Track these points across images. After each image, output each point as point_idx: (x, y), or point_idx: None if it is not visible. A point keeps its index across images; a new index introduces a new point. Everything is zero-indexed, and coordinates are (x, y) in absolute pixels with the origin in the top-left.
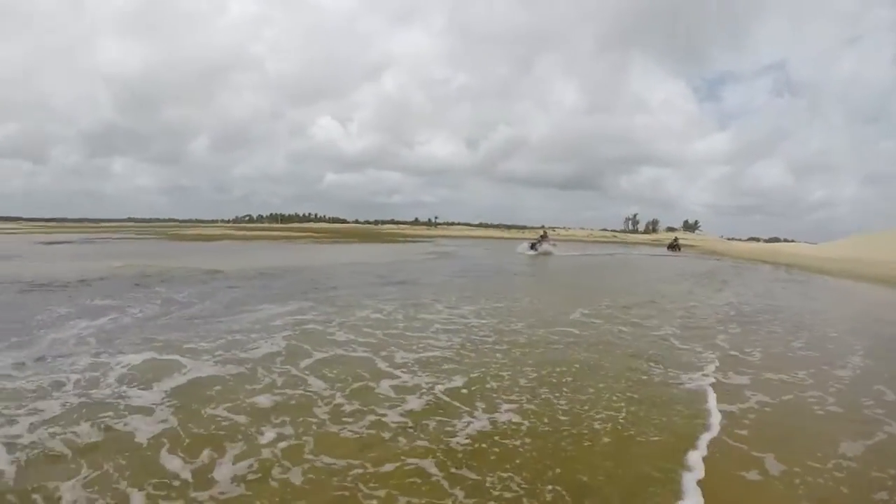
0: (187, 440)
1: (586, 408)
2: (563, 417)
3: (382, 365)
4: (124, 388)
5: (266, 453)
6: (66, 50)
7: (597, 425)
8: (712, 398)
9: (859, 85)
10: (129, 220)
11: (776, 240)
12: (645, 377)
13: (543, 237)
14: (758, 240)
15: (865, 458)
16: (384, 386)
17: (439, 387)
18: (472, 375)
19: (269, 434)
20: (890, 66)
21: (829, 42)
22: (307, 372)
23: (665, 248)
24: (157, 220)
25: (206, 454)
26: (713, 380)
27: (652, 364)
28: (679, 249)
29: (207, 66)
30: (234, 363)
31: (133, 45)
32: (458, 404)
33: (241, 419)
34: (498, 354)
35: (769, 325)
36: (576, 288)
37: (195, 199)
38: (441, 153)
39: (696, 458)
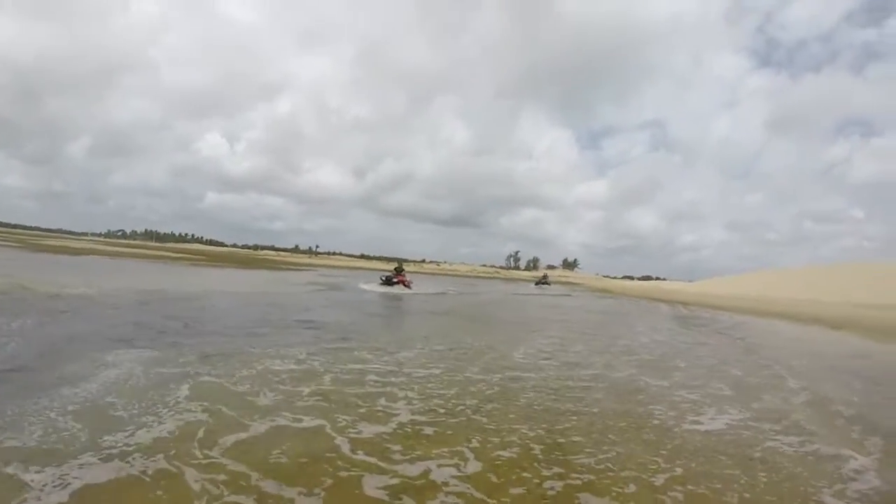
0: None
1: (641, 473)
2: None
3: (345, 445)
4: None
5: None
6: None
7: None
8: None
9: (731, 144)
10: None
11: (648, 278)
12: (657, 422)
13: (399, 272)
14: (632, 278)
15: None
16: (372, 484)
17: (447, 472)
18: (471, 445)
19: None
20: (760, 130)
21: (706, 105)
22: (247, 464)
23: (533, 285)
24: (22, 226)
25: None
26: (728, 419)
27: (652, 408)
28: (549, 285)
29: (101, 63)
30: (128, 457)
31: (27, 27)
32: (501, 501)
33: None
34: (472, 413)
35: (708, 359)
36: (492, 327)
37: (66, 208)
38: (327, 181)
39: None
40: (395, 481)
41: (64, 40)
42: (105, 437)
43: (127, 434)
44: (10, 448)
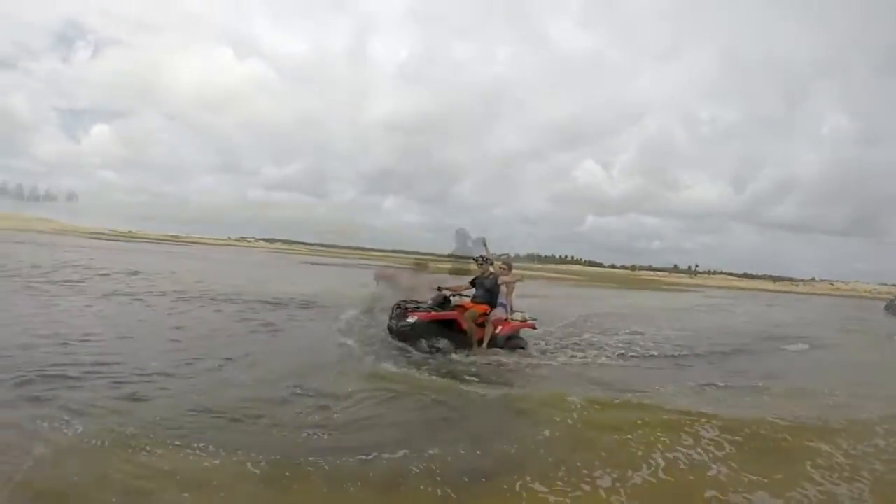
0: None
1: None
2: None
3: None
4: None
5: None
6: (349, 101)
7: None
8: None
9: None
10: (396, 251)
11: None
12: None
13: (440, 303)
14: None
15: None
16: None
17: None
18: None
19: None
20: None
21: None
22: None
23: (883, 309)
24: (419, 252)
25: None
26: None
27: None
28: None
29: (474, 111)
30: None
31: (408, 95)
32: None
33: None
34: None
35: None
36: None
37: (455, 236)
38: (704, 196)
39: None
40: None
41: (441, 98)
42: None
43: None
44: None
